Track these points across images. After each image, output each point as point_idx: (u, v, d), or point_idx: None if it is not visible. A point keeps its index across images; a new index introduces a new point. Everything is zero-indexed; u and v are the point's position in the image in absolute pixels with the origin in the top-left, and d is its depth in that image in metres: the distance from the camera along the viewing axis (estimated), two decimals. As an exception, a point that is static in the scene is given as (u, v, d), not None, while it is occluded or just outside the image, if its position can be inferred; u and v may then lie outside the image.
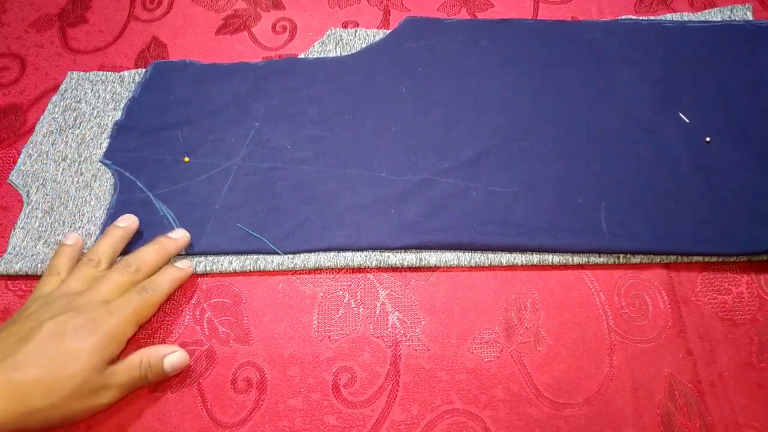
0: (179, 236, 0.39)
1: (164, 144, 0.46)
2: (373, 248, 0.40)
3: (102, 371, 0.31)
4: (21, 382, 0.29)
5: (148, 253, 0.38)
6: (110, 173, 0.45)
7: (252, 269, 0.40)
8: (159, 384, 0.36)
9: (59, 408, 0.30)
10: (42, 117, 0.48)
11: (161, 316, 0.39)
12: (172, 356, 0.35)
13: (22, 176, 0.45)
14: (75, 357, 0.30)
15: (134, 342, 0.37)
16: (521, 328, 0.38)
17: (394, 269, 0.40)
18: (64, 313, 0.32)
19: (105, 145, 0.46)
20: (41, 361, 0.30)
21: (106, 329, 0.32)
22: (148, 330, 0.38)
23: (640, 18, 0.50)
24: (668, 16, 0.51)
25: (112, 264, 0.38)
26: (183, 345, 0.38)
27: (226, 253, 0.40)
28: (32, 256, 0.41)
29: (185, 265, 0.39)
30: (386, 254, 0.40)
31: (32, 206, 0.44)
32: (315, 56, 0.51)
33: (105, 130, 0.47)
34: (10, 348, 0.30)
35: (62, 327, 0.31)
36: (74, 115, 0.48)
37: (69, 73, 0.51)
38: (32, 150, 0.46)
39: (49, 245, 0.41)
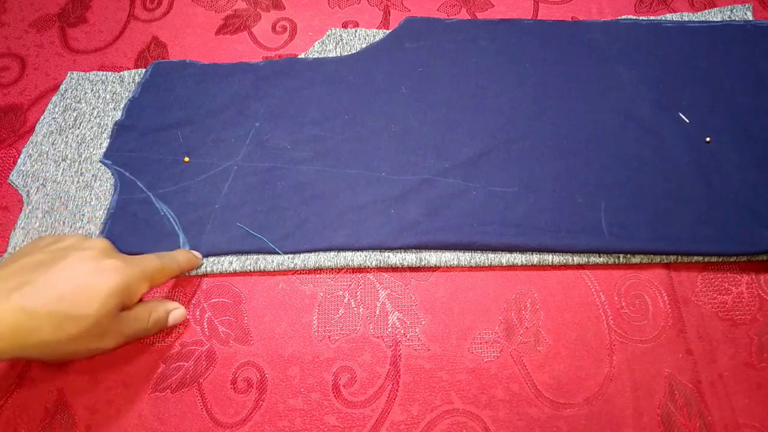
0: (199, 258, 0.40)
1: (164, 144, 0.46)
2: (373, 248, 0.40)
3: (113, 317, 0.31)
4: (35, 313, 0.28)
5: (180, 253, 0.38)
6: (110, 173, 0.45)
7: (252, 269, 0.40)
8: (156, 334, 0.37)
9: (64, 344, 0.29)
10: (42, 117, 0.48)
11: (161, 316, 0.39)
12: (176, 312, 0.37)
13: (22, 176, 0.45)
14: (93, 296, 0.30)
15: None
16: (521, 328, 0.38)
17: (394, 269, 0.40)
18: (93, 252, 0.32)
19: (105, 145, 0.46)
20: (58, 293, 0.29)
21: (127, 275, 0.32)
22: (148, 330, 0.39)
23: (640, 18, 0.50)
24: (668, 16, 0.51)
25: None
26: (183, 345, 0.38)
27: (226, 253, 0.40)
28: (32, 256, 0.41)
29: (199, 256, 0.40)
30: (386, 254, 0.40)
31: (32, 206, 0.44)
32: (315, 56, 0.51)
33: (105, 130, 0.47)
34: (31, 274, 0.29)
35: (88, 260, 0.31)
36: (74, 115, 0.48)
37: (69, 73, 0.51)
38: (32, 150, 0.46)
39: (49, 245, 0.41)
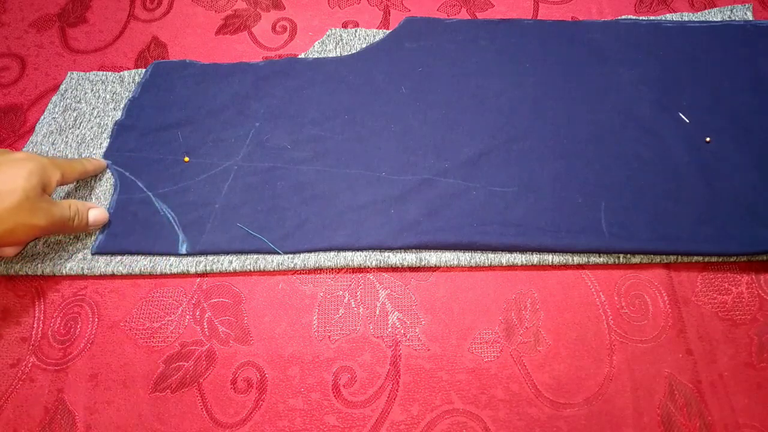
0: (103, 163, 0.45)
1: (164, 144, 0.46)
2: (373, 248, 0.40)
3: (39, 195, 0.36)
4: None
5: (86, 159, 0.43)
6: (110, 173, 0.45)
7: (252, 269, 0.40)
8: (82, 231, 0.40)
9: (5, 219, 0.34)
10: (42, 117, 0.48)
11: (161, 315, 0.39)
12: (95, 210, 0.41)
13: (22, 176, 0.45)
14: (17, 174, 0.35)
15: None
16: (521, 328, 0.38)
17: (394, 269, 0.40)
18: (6, 151, 0.38)
19: (105, 145, 0.46)
20: None
21: (39, 160, 0.38)
22: (149, 330, 0.39)
23: (640, 18, 0.50)
24: (668, 16, 0.51)
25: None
26: (183, 345, 0.38)
27: (226, 253, 0.40)
28: (32, 256, 0.41)
29: (103, 162, 0.45)
30: (386, 254, 0.40)
31: (32, 206, 0.44)
32: (315, 56, 0.51)
33: (105, 130, 0.47)
34: None
35: (4, 157, 0.37)
36: (74, 115, 0.48)
37: (69, 73, 0.51)
38: (32, 150, 0.46)
39: (49, 245, 0.41)
